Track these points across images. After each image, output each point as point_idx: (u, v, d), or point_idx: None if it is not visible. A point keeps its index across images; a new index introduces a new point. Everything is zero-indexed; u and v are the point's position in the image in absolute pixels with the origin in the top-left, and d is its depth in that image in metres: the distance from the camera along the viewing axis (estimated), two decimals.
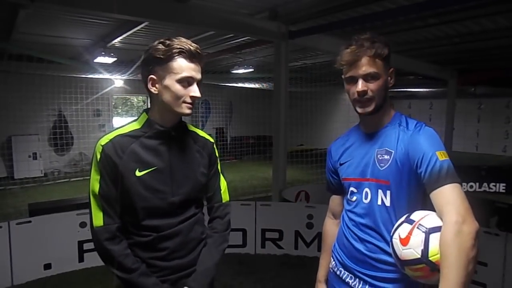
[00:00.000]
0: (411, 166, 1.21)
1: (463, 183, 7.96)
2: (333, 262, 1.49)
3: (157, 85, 1.27)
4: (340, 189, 1.51)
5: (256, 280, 3.64)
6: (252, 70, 9.74)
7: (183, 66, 1.25)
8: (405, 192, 1.25)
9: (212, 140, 1.49)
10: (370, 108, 1.29)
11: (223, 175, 1.53)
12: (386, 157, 1.28)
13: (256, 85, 10.59)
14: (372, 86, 1.27)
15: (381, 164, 1.28)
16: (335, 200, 1.61)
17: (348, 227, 1.40)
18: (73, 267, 3.74)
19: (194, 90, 1.28)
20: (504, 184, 7.83)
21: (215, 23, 4.73)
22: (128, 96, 14.96)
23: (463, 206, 1.08)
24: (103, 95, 10.09)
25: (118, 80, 9.79)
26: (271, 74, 7.32)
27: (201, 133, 1.49)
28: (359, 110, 1.31)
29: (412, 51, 7.19)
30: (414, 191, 1.24)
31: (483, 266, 3.23)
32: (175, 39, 1.26)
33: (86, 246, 3.73)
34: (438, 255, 1.07)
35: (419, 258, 1.11)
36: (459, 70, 9.41)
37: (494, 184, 7.88)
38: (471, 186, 7.96)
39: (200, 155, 1.42)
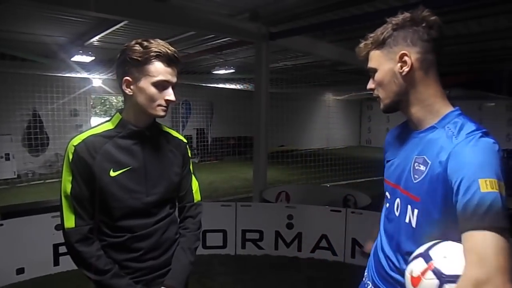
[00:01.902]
0: (448, 188, 0.94)
1: None
2: (366, 273, 1.34)
3: (132, 87, 1.27)
4: None
5: (236, 281, 3.63)
6: (233, 71, 9.73)
7: (159, 70, 1.24)
8: (436, 216, 0.99)
9: (185, 141, 1.51)
10: (381, 107, 1.15)
11: (194, 175, 1.55)
12: (422, 168, 1.03)
13: (237, 86, 10.59)
14: (376, 82, 1.13)
15: (416, 176, 1.05)
16: None
17: (381, 237, 1.25)
18: (48, 271, 3.63)
19: (169, 94, 1.27)
20: None
21: (195, 23, 4.70)
22: (107, 96, 14.66)
23: (494, 261, 0.80)
24: (81, 94, 9.85)
25: (96, 80, 9.58)
26: (252, 75, 7.34)
27: (174, 133, 1.50)
28: (382, 107, 1.17)
29: None
30: (451, 220, 0.93)
31: None
32: (153, 41, 1.25)
33: (62, 249, 3.63)
34: None
35: None
36: None
37: None
38: None
39: (173, 155, 1.42)
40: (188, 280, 1.44)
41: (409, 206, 1.08)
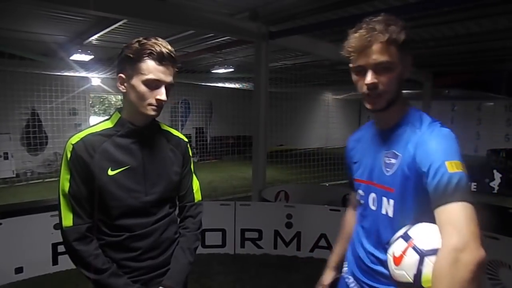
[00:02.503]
0: (418, 174, 1.04)
1: None
2: (345, 268, 1.40)
3: (125, 84, 1.26)
4: None
5: (235, 280, 3.63)
6: (233, 70, 9.73)
7: (150, 68, 1.22)
8: (411, 203, 1.09)
9: (185, 140, 1.49)
10: (380, 105, 1.12)
11: (195, 175, 1.53)
12: (392, 161, 1.13)
13: (237, 85, 10.58)
14: (384, 78, 1.08)
15: (387, 169, 1.15)
16: (354, 194, 1.44)
17: (358, 234, 1.31)
18: (47, 271, 3.62)
19: (161, 94, 1.24)
20: (475, 184, 8.15)
21: (194, 22, 4.70)
22: (106, 95, 14.63)
23: (467, 230, 0.90)
24: (80, 93, 9.83)
25: (95, 78, 9.57)
26: (251, 74, 7.33)
27: (175, 132, 1.48)
28: (367, 105, 1.14)
29: None
30: (422, 202, 1.04)
31: None
32: (151, 39, 1.23)
33: (61, 248, 3.62)
34: None
35: (410, 283, 0.99)
36: (434, 73, 9.73)
37: None
38: None
39: (174, 154, 1.41)
40: (187, 280, 1.43)
41: (384, 198, 1.16)
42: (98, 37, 6.22)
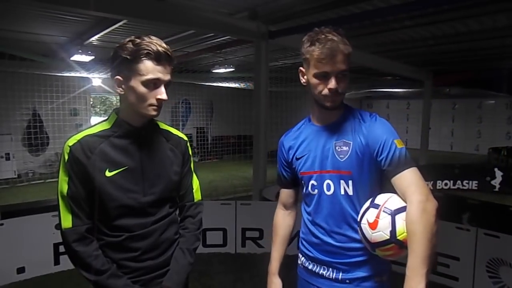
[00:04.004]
0: (371, 155, 1.28)
1: (438, 181, 8.24)
2: (302, 259, 1.54)
3: (123, 86, 1.24)
4: (293, 183, 1.55)
5: (236, 279, 3.64)
6: (233, 69, 9.73)
7: (149, 68, 1.20)
8: (367, 180, 1.31)
9: (185, 139, 1.48)
10: (337, 104, 1.33)
11: (195, 174, 1.52)
12: (344, 148, 1.32)
13: (237, 85, 10.58)
14: (342, 83, 1.29)
15: (341, 156, 1.32)
16: (285, 192, 1.63)
17: (314, 223, 1.42)
18: (48, 270, 3.63)
19: (161, 93, 1.23)
20: (476, 182, 8.14)
21: (194, 22, 4.70)
22: (107, 95, 14.64)
23: (424, 187, 1.18)
24: (80, 94, 9.84)
25: (96, 79, 9.58)
26: (251, 74, 7.33)
27: (174, 131, 1.47)
28: (328, 104, 1.31)
29: (390, 52, 7.37)
30: (375, 177, 1.31)
31: (456, 260, 3.35)
32: (145, 39, 1.21)
33: (62, 248, 3.62)
34: (405, 234, 1.16)
35: (388, 239, 1.19)
36: (434, 71, 9.72)
37: (467, 181, 8.19)
38: (446, 184, 8.24)
39: (173, 153, 1.40)
40: (187, 280, 1.43)
41: (342, 181, 1.33)
42: (99, 37, 6.23)
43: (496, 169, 8.12)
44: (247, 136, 10.66)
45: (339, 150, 1.33)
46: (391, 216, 1.19)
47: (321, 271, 1.42)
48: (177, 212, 1.48)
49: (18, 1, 4.19)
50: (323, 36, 1.25)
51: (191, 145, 1.51)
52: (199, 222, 1.48)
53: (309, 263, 1.48)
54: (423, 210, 1.12)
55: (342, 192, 1.33)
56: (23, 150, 9.24)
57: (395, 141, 1.25)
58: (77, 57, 7.37)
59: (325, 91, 1.28)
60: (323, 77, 1.28)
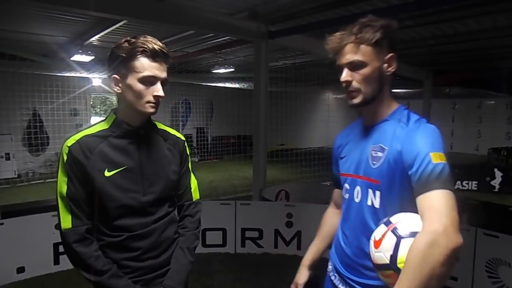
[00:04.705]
0: (404, 167, 1.09)
1: None
2: (330, 266, 1.42)
3: (120, 84, 1.25)
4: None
5: (235, 279, 3.64)
6: (233, 69, 9.73)
7: (145, 65, 1.21)
8: (397, 194, 1.13)
9: (183, 138, 1.49)
10: (356, 100, 1.19)
11: (193, 173, 1.53)
12: (379, 154, 1.18)
13: (237, 85, 10.59)
14: (358, 76, 1.16)
15: (374, 162, 1.18)
16: (337, 191, 1.50)
17: (341, 229, 1.33)
18: (48, 270, 3.63)
19: (157, 90, 1.24)
20: (476, 182, 8.14)
21: (194, 22, 4.70)
22: (107, 95, 14.64)
23: (448, 216, 0.94)
24: (81, 94, 9.84)
25: (96, 79, 9.59)
26: (251, 74, 7.33)
27: (172, 131, 1.48)
28: (348, 101, 1.21)
29: None
30: (408, 194, 1.07)
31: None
32: (140, 38, 1.23)
33: (62, 248, 3.62)
34: None
35: (387, 264, 1.03)
36: (434, 71, 9.72)
37: (467, 182, 8.19)
38: None
39: (171, 153, 1.41)
40: (188, 279, 1.43)
41: (370, 190, 1.19)
42: (99, 37, 6.24)
43: (496, 169, 8.13)
44: (247, 136, 10.67)
45: (374, 155, 1.19)
46: (397, 238, 1.02)
47: (340, 286, 1.31)
48: (176, 211, 1.48)
49: (18, 1, 4.19)
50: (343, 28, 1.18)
51: (189, 145, 1.52)
52: (198, 221, 1.49)
53: (333, 274, 1.37)
54: (432, 243, 0.90)
55: (369, 202, 1.20)
56: (23, 150, 9.25)
57: (432, 154, 1.03)
58: (77, 57, 7.38)
59: (343, 86, 1.19)
60: (340, 70, 1.19)
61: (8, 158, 8.76)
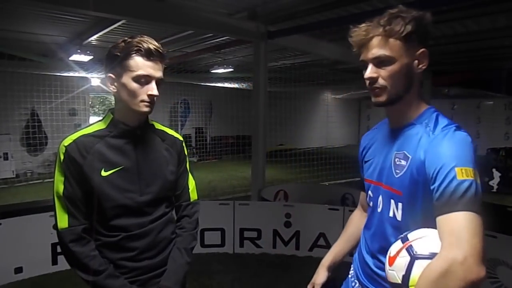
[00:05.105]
0: (427, 180, 0.97)
1: None
2: (352, 272, 1.35)
3: (115, 84, 1.26)
4: None
5: (234, 279, 3.64)
6: (232, 70, 9.73)
7: (139, 64, 1.21)
8: (420, 208, 1.02)
9: (181, 139, 1.48)
10: (381, 99, 1.07)
11: (191, 174, 1.53)
12: (402, 162, 1.05)
13: (236, 85, 10.58)
14: (384, 72, 1.03)
15: (397, 170, 1.07)
16: (363, 194, 1.37)
17: (364, 237, 1.25)
18: (46, 270, 3.63)
19: (152, 89, 1.24)
20: None
21: (193, 22, 4.70)
22: (106, 95, 14.62)
23: (470, 243, 0.82)
24: (79, 93, 9.82)
25: (94, 79, 9.57)
26: (250, 74, 7.34)
27: (170, 131, 1.48)
28: (372, 99, 1.09)
29: None
30: (431, 208, 0.95)
31: None
32: (136, 37, 1.23)
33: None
34: None
35: (399, 284, 0.95)
36: (433, 71, 9.73)
37: None
38: None
39: (169, 153, 1.41)
40: (185, 280, 1.43)
41: (392, 201, 1.09)
42: (98, 37, 6.24)
43: (494, 170, 8.14)
44: (246, 136, 10.65)
45: (397, 163, 1.07)
46: (411, 258, 0.93)
47: None
48: (173, 212, 1.48)
49: (18, 1, 4.18)
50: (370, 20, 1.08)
51: (188, 145, 1.52)
52: (195, 221, 1.49)
53: (353, 281, 1.30)
54: (446, 272, 0.80)
55: (391, 214, 1.09)
56: (21, 150, 9.22)
57: (458, 169, 0.89)
58: (76, 57, 7.36)
59: (367, 83, 1.08)
60: (364, 66, 1.08)
61: (6, 158, 8.74)
